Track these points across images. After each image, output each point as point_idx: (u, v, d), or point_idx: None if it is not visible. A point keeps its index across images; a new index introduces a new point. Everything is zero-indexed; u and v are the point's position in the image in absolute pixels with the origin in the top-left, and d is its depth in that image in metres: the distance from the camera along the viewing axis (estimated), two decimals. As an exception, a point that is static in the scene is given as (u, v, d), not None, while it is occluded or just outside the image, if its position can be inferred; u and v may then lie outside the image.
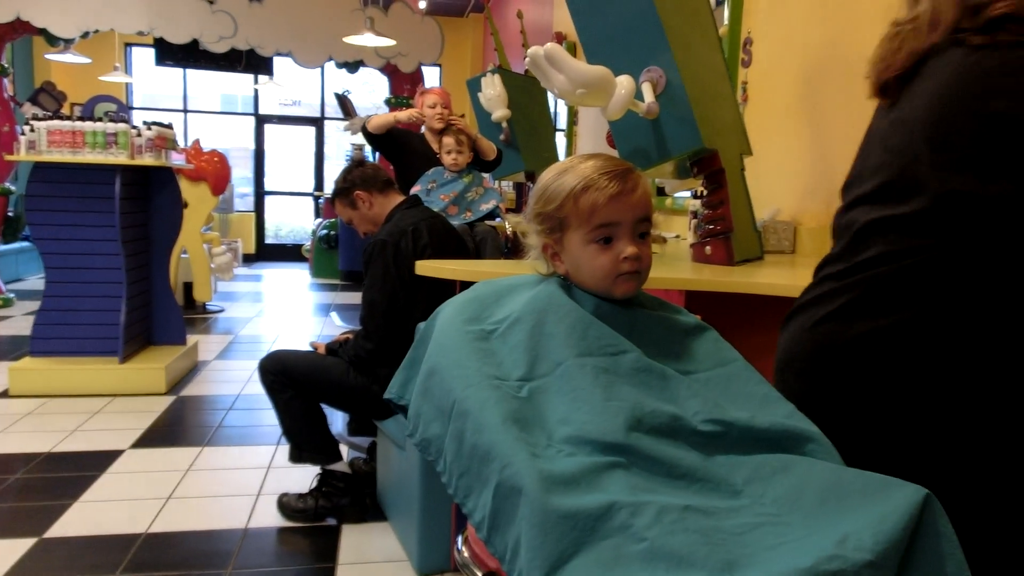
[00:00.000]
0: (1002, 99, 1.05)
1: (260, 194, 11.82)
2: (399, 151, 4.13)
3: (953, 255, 1.12)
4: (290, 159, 11.97)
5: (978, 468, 1.13)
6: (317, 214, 11.43)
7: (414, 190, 3.75)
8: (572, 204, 1.16)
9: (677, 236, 4.04)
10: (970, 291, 1.12)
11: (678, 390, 1.11)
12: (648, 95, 2.32)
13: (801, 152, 3.22)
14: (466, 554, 1.20)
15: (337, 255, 9.54)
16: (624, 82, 2.23)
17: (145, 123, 4.26)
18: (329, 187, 11.10)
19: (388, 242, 2.66)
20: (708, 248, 2.51)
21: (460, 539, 1.24)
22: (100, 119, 4.18)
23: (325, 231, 9.69)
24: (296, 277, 10.01)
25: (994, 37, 1.07)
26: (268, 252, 11.87)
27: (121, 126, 4.10)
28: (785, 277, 2.25)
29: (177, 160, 4.63)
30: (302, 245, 10.99)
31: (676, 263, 2.68)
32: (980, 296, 1.12)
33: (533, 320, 1.16)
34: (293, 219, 12.28)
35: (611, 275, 1.16)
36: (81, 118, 4.17)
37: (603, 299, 1.19)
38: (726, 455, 1.05)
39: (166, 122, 4.51)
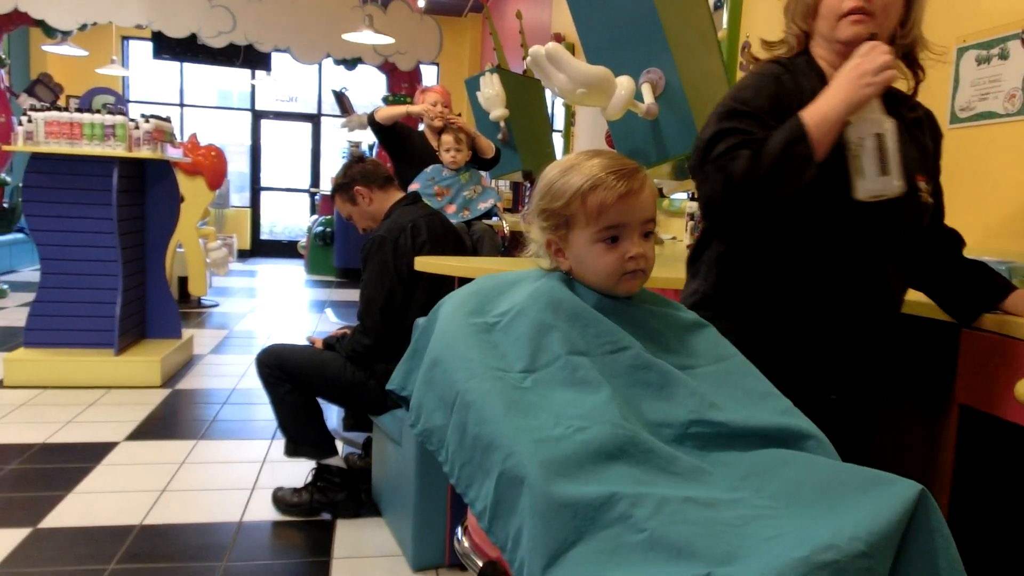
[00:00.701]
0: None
1: (256, 190, 11.80)
2: (400, 145, 4.15)
3: (711, 232, 1.53)
4: (286, 155, 11.96)
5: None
6: (313, 211, 11.42)
7: (412, 187, 3.76)
8: (579, 203, 1.16)
9: (673, 238, 4.06)
10: (729, 263, 1.49)
11: (676, 387, 1.12)
12: (648, 96, 2.34)
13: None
14: (466, 544, 1.21)
15: (333, 252, 9.54)
16: (624, 83, 2.25)
17: (143, 116, 4.26)
18: (325, 184, 11.14)
19: (387, 238, 2.67)
20: (705, 249, 2.53)
21: (459, 529, 1.25)
22: (98, 111, 4.19)
23: (321, 228, 9.68)
24: (291, 273, 10.01)
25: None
26: (263, 248, 11.86)
27: (119, 118, 4.10)
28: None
29: (174, 154, 4.63)
30: (297, 242, 10.98)
31: (673, 263, 2.69)
32: (738, 266, 1.48)
33: (535, 313, 1.17)
34: (289, 215, 12.27)
35: (616, 274, 1.18)
36: (79, 110, 4.17)
37: (604, 295, 1.20)
38: (725, 452, 1.07)
39: (163, 115, 4.52)
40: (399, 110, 4.11)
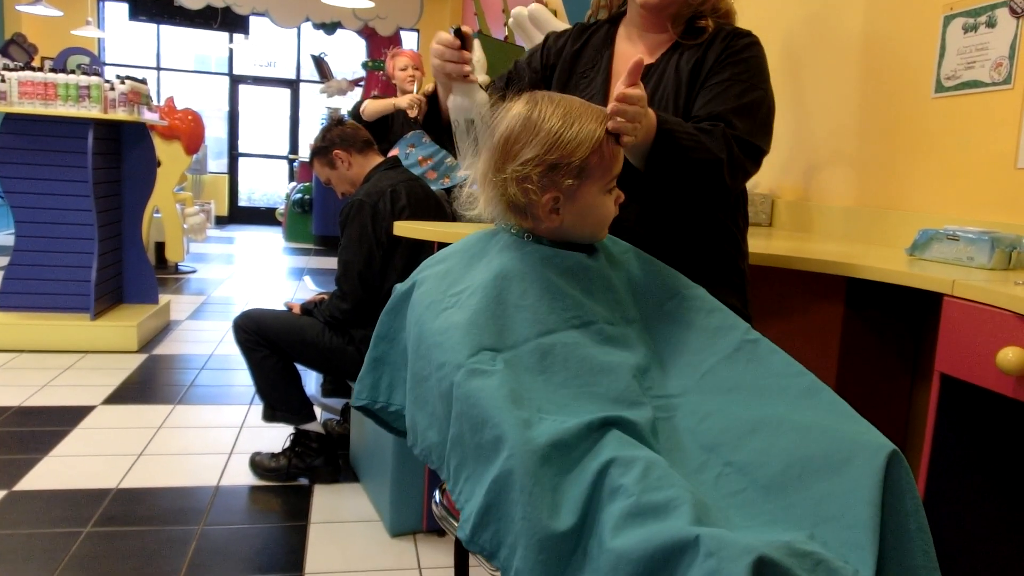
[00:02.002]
0: None
1: (234, 156, 11.65)
2: (386, 131, 4.05)
3: None
4: (265, 121, 11.80)
5: None
6: (291, 178, 11.30)
7: (392, 153, 3.71)
8: (598, 153, 1.14)
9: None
10: None
11: (641, 356, 1.13)
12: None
13: (780, 126, 3.21)
14: (445, 506, 1.20)
15: (311, 219, 9.45)
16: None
17: (118, 77, 4.17)
18: (304, 151, 11.00)
19: (365, 203, 2.64)
20: (687, 217, 2.52)
21: (437, 492, 1.24)
22: (73, 71, 4.09)
23: (299, 195, 9.59)
24: (269, 240, 9.92)
25: None
26: (241, 215, 11.74)
27: (94, 79, 4.01)
28: (760, 246, 2.26)
29: (150, 117, 4.54)
30: (276, 209, 10.87)
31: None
32: None
33: (496, 290, 1.13)
34: (267, 182, 12.13)
35: (610, 222, 1.19)
36: (53, 70, 4.07)
37: (571, 251, 1.18)
38: (687, 417, 1.07)
39: (140, 78, 4.42)
40: (386, 105, 3.98)
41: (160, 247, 6.88)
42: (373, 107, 3.94)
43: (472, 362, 1.03)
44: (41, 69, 4.08)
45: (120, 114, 4.10)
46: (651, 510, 0.86)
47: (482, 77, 4.69)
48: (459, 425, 1.02)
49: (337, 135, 2.82)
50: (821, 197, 2.90)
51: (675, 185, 1.42)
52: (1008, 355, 1.39)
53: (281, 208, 10.23)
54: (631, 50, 1.61)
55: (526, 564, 0.88)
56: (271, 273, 7.47)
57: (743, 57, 1.52)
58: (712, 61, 1.51)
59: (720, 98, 1.47)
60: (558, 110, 1.15)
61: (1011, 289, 1.46)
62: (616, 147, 1.16)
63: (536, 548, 0.88)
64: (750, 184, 3.24)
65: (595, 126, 1.14)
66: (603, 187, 1.16)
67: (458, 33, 1.34)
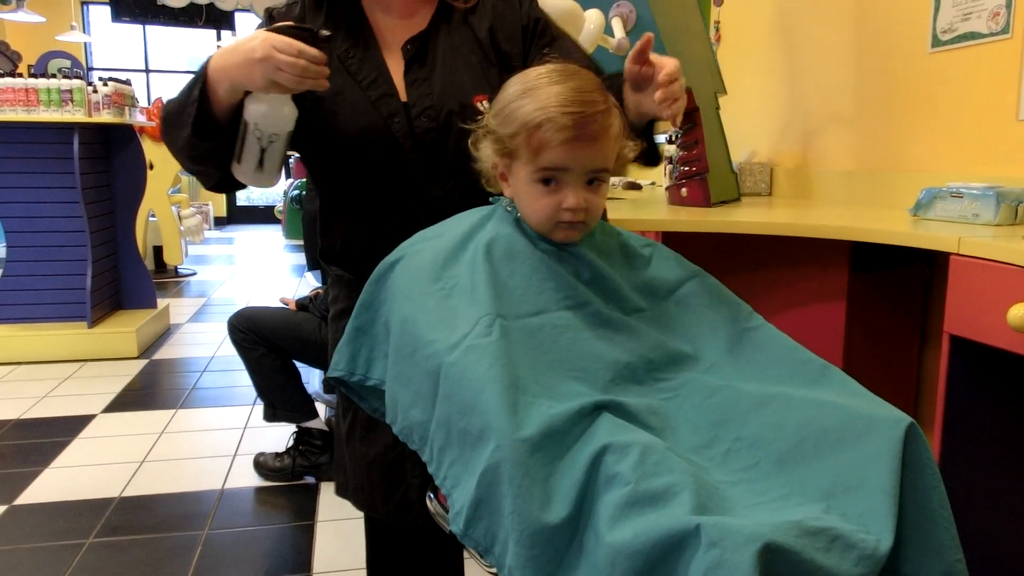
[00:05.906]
0: None
1: (229, 155, 11.57)
2: None
3: None
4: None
5: None
6: (288, 174, 11.21)
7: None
8: (524, 137, 1.05)
9: (653, 183, 3.99)
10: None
11: (640, 341, 1.06)
12: (618, 31, 2.25)
13: (776, 93, 3.16)
14: (438, 503, 1.15)
15: (310, 215, 9.38)
16: (593, 16, 2.16)
17: (101, 79, 4.12)
18: (299, 146, 10.87)
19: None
20: (684, 190, 2.47)
21: (430, 488, 1.19)
22: (54, 76, 4.04)
23: (297, 191, 9.52)
24: (269, 239, 9.88)
25: None
26: (240, 214, 11.69)
27: (76, 82, 3.96)
28: (762, 216, 2.20)
29: (138, 118, 4.49)
30: (275, 207, 10.81)
31: (652, 206, 2.64)
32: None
33: (487, 265, 1.07)
34: (264, 180, 12.05)
35: (551, 220, 1.07)
36: (34, 75, 4.01)
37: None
38: (693, 394, 1.02)
39: (123, 79, 4.37)
40: None
41: (158, 251, 6.84)
42: None
43: (465, 338, 0.98)
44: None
45: (105, 116, 4.05)
46: (649, 498, 0.81)
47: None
48: (446, 406, 0.96)
49: None
50: (820, 162, 2.84)
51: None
52: (1020, 311, 1.34)
53: (279, 205, 10.17)
54: (387, 19, 1.36)
55: (518, 560, 0.83)
56: (272, 272, 7.43)
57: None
58: (522, 19, 1.38)
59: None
60: (528, 81, 1.08)
61: (1019, 244, 1.41)
62: (547, 139, 1.03)
63: (528, 543, 0.83)
64: (748, 153, 3.19)
65: (541, 110, 1.03)
66: (529, 175, 1.07)
67: (327, 39, 1.16)
